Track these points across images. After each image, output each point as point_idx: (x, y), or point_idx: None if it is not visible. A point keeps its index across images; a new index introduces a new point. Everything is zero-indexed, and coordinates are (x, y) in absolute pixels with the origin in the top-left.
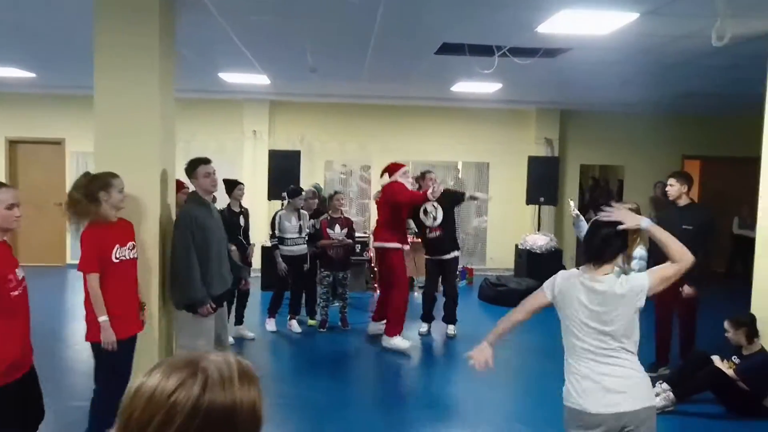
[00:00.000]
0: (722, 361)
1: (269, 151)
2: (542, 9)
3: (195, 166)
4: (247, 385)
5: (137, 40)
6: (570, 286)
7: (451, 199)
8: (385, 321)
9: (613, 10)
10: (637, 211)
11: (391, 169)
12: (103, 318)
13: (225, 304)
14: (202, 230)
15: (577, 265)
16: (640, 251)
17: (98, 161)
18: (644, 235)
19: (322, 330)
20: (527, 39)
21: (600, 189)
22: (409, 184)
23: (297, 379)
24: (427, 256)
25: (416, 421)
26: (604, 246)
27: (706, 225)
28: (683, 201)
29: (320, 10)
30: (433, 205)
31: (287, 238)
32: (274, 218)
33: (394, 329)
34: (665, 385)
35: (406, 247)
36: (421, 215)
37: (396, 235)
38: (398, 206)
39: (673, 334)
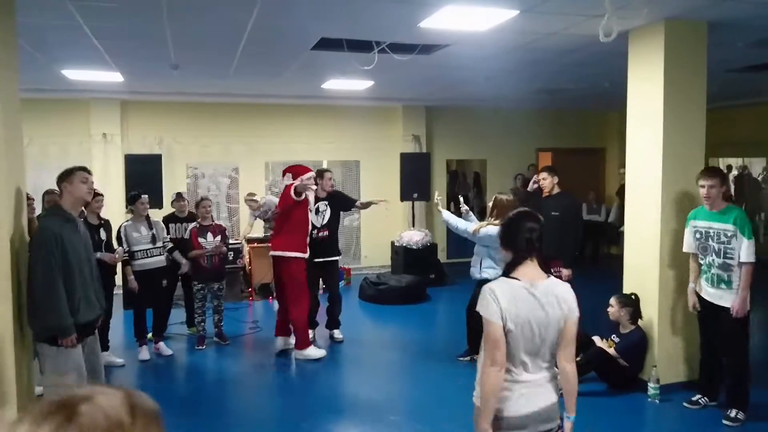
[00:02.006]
0: (602, 340)
1: (125, 155)
2: (427, 4)
3: (71, 171)
4: (145, 426)
5: None
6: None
7: (341, 203)
8: (291, 334)
9: (495, 7)
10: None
11: (296, 171)
12: None
13: (96, 331)
14: (65, 250)
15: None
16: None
17: None
18: None
19: (200, 347)
20: (409, 35)
21: (459, 182)
22: (311, 189)
23: (179, 409)
24: (311, 259)
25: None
26: (534, 239)
27: (573, 209)
28: (554, 191)
29: None
30: (325, 205)
31: (137, 251)
32: (119, 231)
33: (304, 342)
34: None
35: (305, 255)
36: (311, 214)
37: (293, 242)
38: (288, 210)
39: None
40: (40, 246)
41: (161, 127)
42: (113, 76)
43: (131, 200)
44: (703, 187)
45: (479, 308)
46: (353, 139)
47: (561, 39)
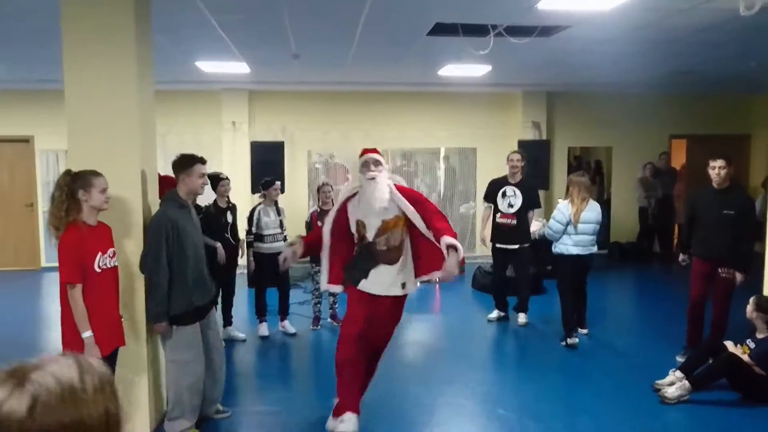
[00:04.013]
0: (735, 346)
1: (251, 142)
2: None
3: (191, 163)
4: (95, 393)
5: (110, 24)
6: None
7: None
8: None
9: None
10: (588, 184)
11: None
12: (87, 334)
13: (214, 309)
14: (180, 236)
15: None
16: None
17: (71, 159)
18: None
19: (314, 328)
20: (526, 17)
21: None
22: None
23: (291, 382)
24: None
25: (418, 428)
26: None
27: (749, 209)
28: (725, 184)
29: None
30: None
31: (266, 235)
32: (252, 213)
33: None
34: (679, 373)
35: None
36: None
37: None
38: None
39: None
40: (154, 233)
41: (284, 115)
42: (240, 67)
43: (265, 185)
44: None
45: None
46: (470, 126)
47: (695, 15)
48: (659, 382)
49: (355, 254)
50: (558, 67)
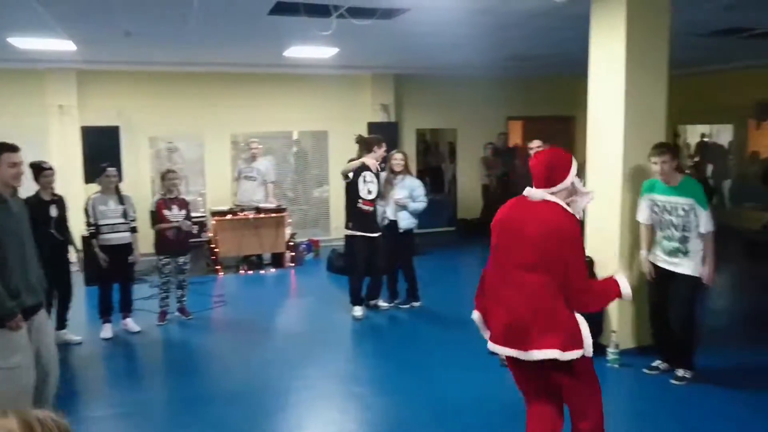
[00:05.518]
0: None
1: (81, 127)
2: None
3: None
4: None
5: None
6: None
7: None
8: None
9: None
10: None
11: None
12: None
13: (45, 311)
14: None
15: None
16: None
17: None
18: None
19: (161, 323)
20: None
21: (431, 152)
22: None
23: (138, 384)
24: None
25: (273, 413)
26: None
27: None
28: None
29: None
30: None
31: (103, 225)
32: (86, 204)
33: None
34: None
35: None
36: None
37: None
38: None
39: None
40: None
41: (121, 98)
42: (65, 44)
43: (98, 173)
44: (655, 163)
45: None
46: (321, 109)
47: (524, 3)
48: None
49: None
50: (404, 50)
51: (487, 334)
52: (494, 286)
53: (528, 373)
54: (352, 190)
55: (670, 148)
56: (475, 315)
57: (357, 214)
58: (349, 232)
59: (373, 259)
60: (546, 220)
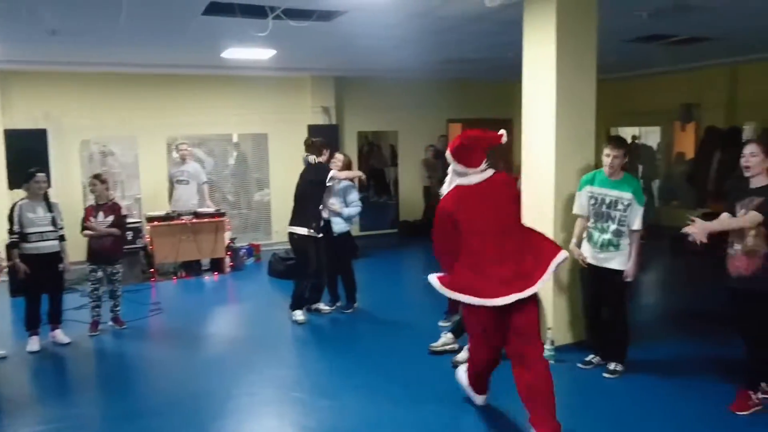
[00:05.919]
0: None
1: (5, 130)
2: None
3: None
4: None
5: None
6: None
7: None
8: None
9: None
10: (348, 165)
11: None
12: None
13: None
14: None
15: None
16: None
17: None
18: None
19: (93, 333)
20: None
21: (374, 155)
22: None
23: (68, 398)
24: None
25: (211, 421)
26: None
27: None
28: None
29: None
30: None
31: (30, 233)
32: (12, 210)
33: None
34: (450, 336)
35: None
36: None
37: None
38: None
39: None
40: None
41: (48, 99)
42: None
43: (26, 179)
44: (608, 156)
45: None
46: (261, 112)
47: (459, 7)
48: (433, 345)
49: None
50: (344, 53)
51: (484, 302)
52: (485, 252)
53: (503, 319)
54: (324, 193)
55: (625, 143)
56: (474, 300)
57: (320, 216)
58: (309, 233)
59: (322, 261)
60: (506, 186)
